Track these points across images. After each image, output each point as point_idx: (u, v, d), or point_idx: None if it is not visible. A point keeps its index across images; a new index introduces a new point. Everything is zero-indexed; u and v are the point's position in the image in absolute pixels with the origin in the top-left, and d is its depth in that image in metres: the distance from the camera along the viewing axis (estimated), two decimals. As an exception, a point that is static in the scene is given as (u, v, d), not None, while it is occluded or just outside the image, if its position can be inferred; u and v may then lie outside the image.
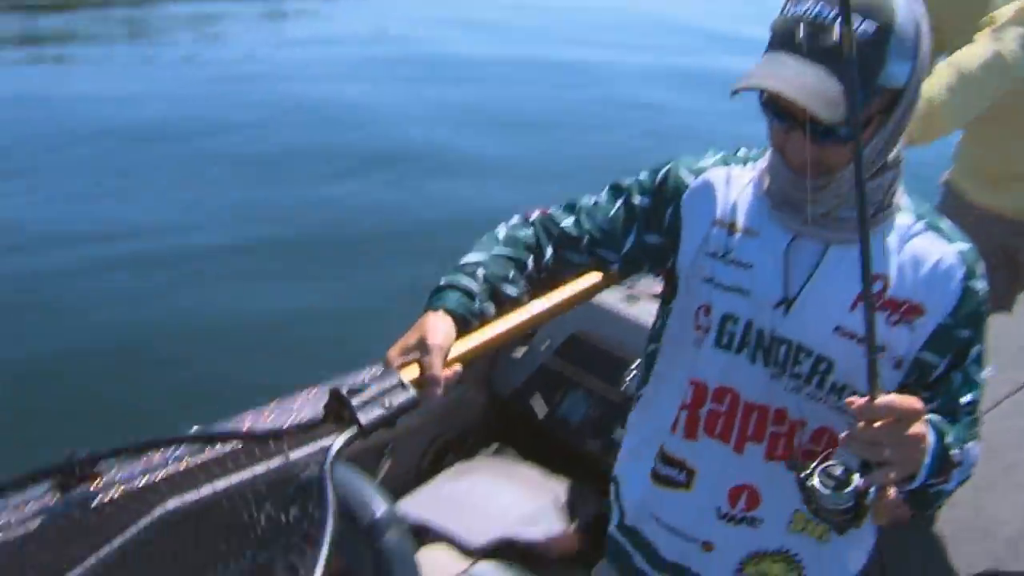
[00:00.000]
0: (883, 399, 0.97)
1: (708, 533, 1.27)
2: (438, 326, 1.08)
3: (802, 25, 0.99)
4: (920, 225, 1.15)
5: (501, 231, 1.27)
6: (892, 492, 1.03)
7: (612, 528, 1.42)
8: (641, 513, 1.34)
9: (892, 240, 1.13)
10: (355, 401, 0.96)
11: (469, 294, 1.15)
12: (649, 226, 1.25)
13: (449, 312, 1.12)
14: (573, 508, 2.08)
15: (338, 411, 0.97)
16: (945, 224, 1.17)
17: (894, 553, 2.04)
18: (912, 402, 0.98)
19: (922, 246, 1.13)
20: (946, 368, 1.14)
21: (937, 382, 1.15)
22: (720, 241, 1.19)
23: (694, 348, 1.23)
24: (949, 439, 1.08)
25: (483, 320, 1.15)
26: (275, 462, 1.36)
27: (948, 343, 1.13)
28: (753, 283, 1.16)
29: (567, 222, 1.27)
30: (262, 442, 0.98)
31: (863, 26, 0.97)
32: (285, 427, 1.00)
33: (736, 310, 1.18)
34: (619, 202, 1.27)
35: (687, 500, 1.27)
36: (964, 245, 1.15)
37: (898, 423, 0.97)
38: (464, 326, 1.12)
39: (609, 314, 2.37)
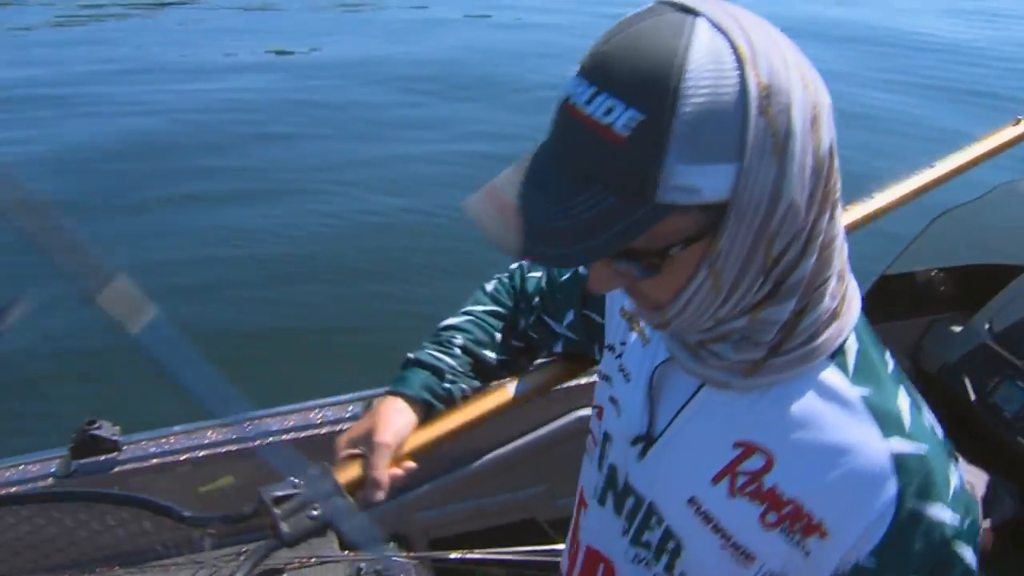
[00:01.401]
0: None
1: None
2: (391, 418, 0.96)
3: (557, 111, 0.65)
4: (855, 395, 0.73)
5: (491, 284, 1.11)
6: None
7: None
8: None
9: (800, 406, 0.73)
10: (281, 509, 0.88)
11: (437, 371, 1.01)
12: (588, 301, 1.01)
13: (408, 400, 0.99)
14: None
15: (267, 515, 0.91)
16: (899, 403, 0.73)
17: None
18: None
19: (838, 427, 0.72)
20: None
21: None
22: (619, 334, 0.91)
23: (587, 460, 0.97)
24: None
25: (452, 402, 1.02)
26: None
27: None
28: (625, 402, 0.87)
29: (533, 274, 1.09)
30: (187, 524, 0.99)
31: (624, 117, 0.59)
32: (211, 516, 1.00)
33: (614, 431, 0.89)
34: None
35: None
36: (913, 445, 0.71)
37: None
38: (428, 412, 1.00)
39: None
